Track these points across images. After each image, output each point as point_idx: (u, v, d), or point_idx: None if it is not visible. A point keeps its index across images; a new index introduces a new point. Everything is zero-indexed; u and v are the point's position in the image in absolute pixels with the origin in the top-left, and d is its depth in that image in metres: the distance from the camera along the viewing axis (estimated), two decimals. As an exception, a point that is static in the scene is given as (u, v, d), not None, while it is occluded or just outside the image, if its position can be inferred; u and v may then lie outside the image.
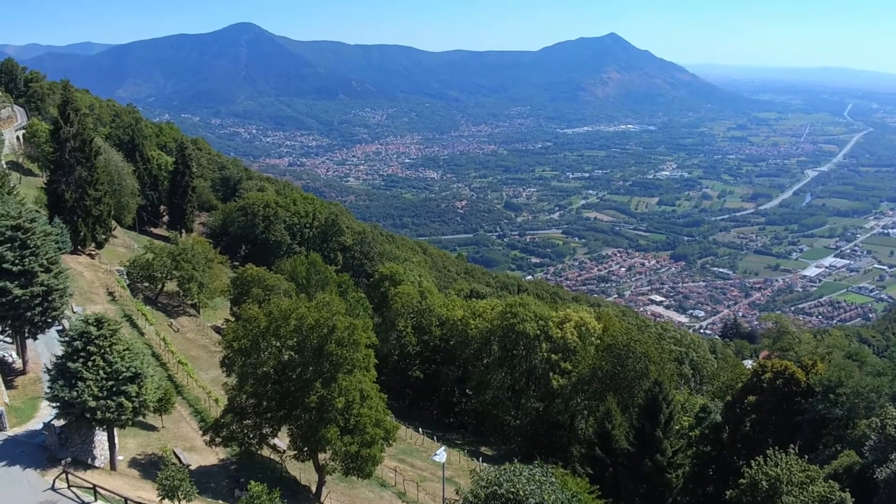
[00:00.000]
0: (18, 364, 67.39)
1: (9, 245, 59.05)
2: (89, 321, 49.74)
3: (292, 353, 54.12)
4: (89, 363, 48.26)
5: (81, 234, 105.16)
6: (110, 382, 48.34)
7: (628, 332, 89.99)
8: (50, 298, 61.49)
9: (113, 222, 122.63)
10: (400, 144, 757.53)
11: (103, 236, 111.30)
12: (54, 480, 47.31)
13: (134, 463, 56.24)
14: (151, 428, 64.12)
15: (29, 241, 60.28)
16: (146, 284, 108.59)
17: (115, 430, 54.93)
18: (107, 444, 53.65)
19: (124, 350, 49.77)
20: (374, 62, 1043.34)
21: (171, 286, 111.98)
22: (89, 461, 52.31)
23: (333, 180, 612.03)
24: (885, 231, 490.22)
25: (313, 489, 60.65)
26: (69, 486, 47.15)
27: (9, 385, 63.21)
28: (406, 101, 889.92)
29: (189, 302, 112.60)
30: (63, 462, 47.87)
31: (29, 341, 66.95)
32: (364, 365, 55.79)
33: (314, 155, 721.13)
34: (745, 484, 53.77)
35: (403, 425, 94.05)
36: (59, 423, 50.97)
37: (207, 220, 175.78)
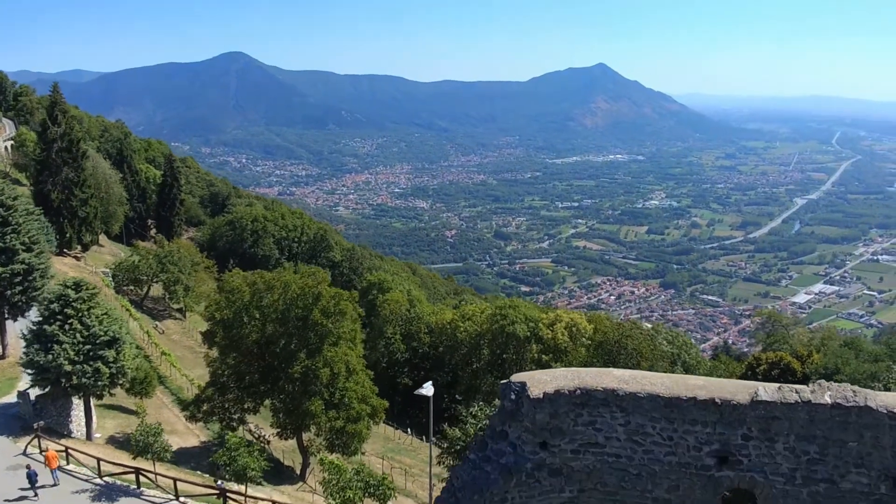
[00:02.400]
0: (-1, 351, 65.92)
1: (-11, 222, 57.81)
2: (67, 284, 48.37)
3: (276, 325, 52.62)
4: (66, 326, 46.86)
5: (67, 235, 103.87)
6: (87, 346, 46.90)
7: (619, 329, 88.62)
8: (31, 278, 60.14)
9: (99, 229, 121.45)
10: (389, 174, 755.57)
11: (89, 238, 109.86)
12: (26, 446, 45.75)
13: (111, 440, 54.62)
14: (131, 412, 62.40)
15: (10, 219, 59.10)
16: (132, 287, 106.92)
17: (93, 407, 53.47)
18: (83, 417, 52.02)
19: (102, 314, 48.39)
20: (364, 92, 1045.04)
21: (156, 291, 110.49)
22: (65, 433, 50.61)
23: (323, 209, 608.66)
24: (875, 257, 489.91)
25: (298, 471, 58.98)
26: (41, 451, 45.48)
27: (-14, 368, 61.73)
28: (395, 131, 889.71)
29: (175, 306, 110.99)
30: (35, 426, 46.17)
31: (9, 327, 65.50)
32: (350, 337, 54.39)
33: (304, 184, 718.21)
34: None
35: (392, 427, 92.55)
36: (35, 392, 49.44)
37: (195, 234, 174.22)
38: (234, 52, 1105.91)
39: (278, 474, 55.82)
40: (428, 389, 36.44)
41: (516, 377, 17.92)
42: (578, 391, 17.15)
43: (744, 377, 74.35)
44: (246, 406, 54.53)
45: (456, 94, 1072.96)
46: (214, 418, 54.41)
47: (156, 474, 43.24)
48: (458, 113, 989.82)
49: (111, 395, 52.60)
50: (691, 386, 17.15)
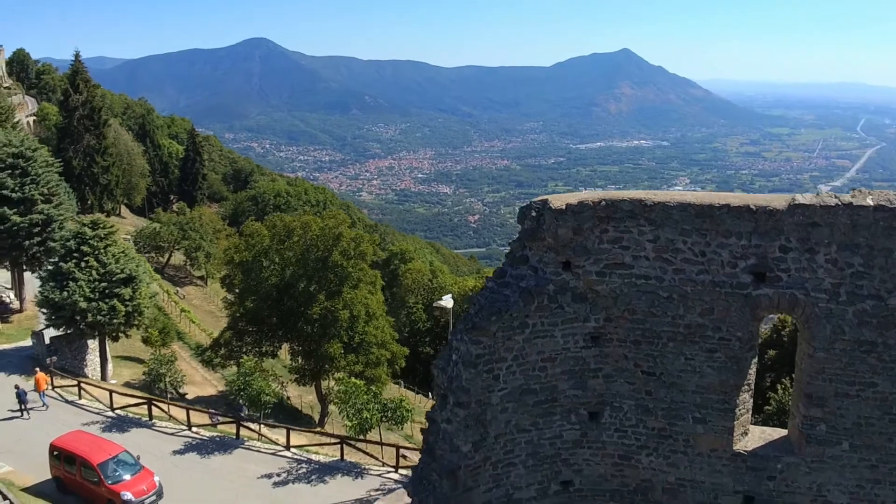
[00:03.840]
0: (16, 304, 66.07)
1: (9, 172, 57.53)
2: (84, 222, 48.11)
3: (296, 267, 52.04)
4: (82, 264, 46.55)
5: (89, 202, 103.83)
6: (103, 284, 46.60)
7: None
8: (49, 229, 59.83)
9: (121, 199, 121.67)
10: (413, 159, 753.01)
11: (110, 206, 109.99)
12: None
13: (127, 385, 54.18)
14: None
15: (30, 169, 58.94)
16: (153, 255, 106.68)
17: (109, 353, 53.22)
18: (98, 361, 51.74)
19: (119, 253, 48.06)
20: (387, 77, 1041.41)
21: (178, 259, 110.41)
22: (80, 375, 50.32)
23: (346, 195, 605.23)
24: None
25: (316, 420, 58.46)
26: (53, 388, 45.38)
27: (4, 320, 61.79)
28: (419, 117, 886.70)
29: (196, 273, 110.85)
30: (49, 360, 45.97)
31: (27, 282, 65.45)
32: (370, 281, 53.70)
33: (327, 170, 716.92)
34: (771, 410, 51.35)
35: (413, 392, 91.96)
36: (50, 332, 49.30)
37: (218, 210, 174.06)
38: (258, 38, 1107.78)
39: (296, 421, 55.29)
40: (447, 301, 35.73)
41: (537, 198, 17.13)
42: (603, 202, 16.30)
43: (768, 340, 72.94)
44: (264, 350, 54.02)
45: (479, 79, 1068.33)
46: (232, 362, 53.88)
47: (168, 404, 42.90)
48: (481, 98, 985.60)
49: (126, 336, 52.26)
50: (724, 196, 16.25)
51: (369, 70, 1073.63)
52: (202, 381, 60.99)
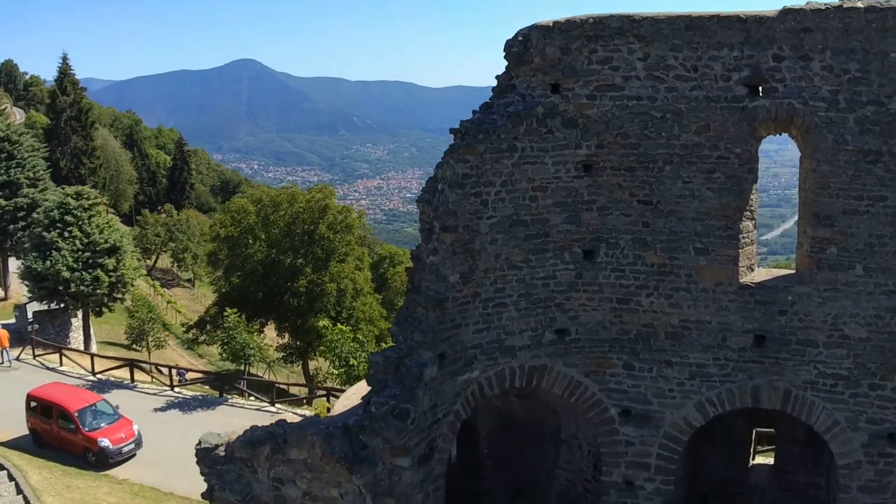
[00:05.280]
0: (0, 293, 65.06)
1: (-5, 155, 57.31)
2: (67, 192, 47.58)
3: (282, 241, 51.42)
4: (65, 233, 45.96)
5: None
6: (87, 254, 45.96)
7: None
8: (34, 213, 59.11)
9: (108, 203, 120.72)
10: (401, 179, 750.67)
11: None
12: (20, 352, 45.00)
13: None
14: (134, 349, 61.25)
15: (15, 153, 58.73)
16: (139, 257, 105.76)
17: (93, 334, 52.40)
18: (82, 338, 50.90)
19: (104, 223, 47.49)
20: (375, 98, 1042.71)
21: (165, 263, 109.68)
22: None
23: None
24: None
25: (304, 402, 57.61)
26: (35, 357, 44.70)
27: (-13, 306, 60.99)
28: (407, 137, 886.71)
29: (184, 276, 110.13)
30: (30, 328, 45.25)
31: (12, 272, 64.64)
32: (357, 256, 53.14)
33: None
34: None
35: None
36: (33, 307, 48.58)
37: (207, 220, 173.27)
38: (246, 59, 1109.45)
39: (282, 397, 54.65)
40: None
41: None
42: (591, 20, 15.93)
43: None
44: (251, 327, 53.20)
45: (467, 98, 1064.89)
46: (217, 335, 53.04)
47: (151, 365, 42.31)
48: (468, 117, 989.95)
49: (110, 310, 51.41)
50: (714, 11, 15.84)
51: (357, 91, 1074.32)
52: (187, 366, 60.04)
